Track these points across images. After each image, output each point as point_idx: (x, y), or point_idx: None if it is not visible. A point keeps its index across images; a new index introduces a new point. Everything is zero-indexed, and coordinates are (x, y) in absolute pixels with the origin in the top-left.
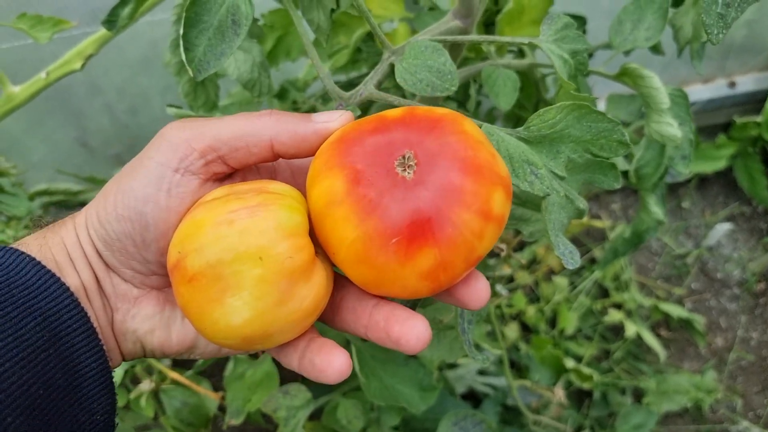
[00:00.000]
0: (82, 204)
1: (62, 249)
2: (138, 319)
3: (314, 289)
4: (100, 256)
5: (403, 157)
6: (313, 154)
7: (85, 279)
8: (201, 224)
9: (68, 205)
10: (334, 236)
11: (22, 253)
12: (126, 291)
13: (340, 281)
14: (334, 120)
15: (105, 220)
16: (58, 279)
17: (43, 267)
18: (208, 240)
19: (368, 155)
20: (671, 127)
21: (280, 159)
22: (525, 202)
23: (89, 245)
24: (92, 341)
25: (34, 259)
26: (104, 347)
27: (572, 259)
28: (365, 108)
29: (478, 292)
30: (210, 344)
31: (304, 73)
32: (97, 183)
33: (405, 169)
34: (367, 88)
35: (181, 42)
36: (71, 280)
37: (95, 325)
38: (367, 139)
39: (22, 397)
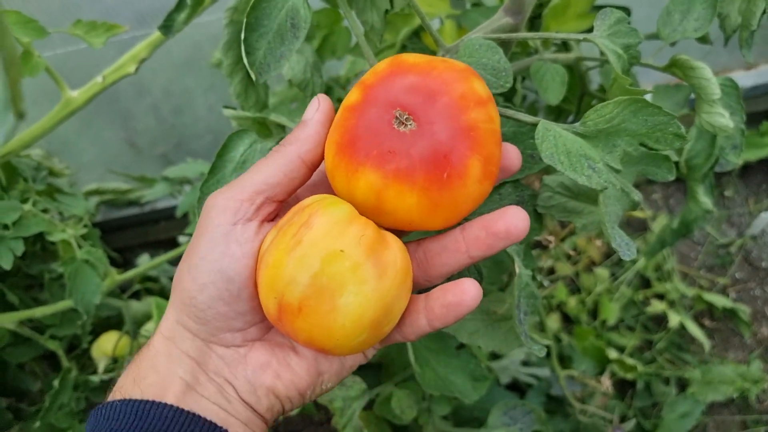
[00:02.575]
0: (131, 202)
1: (167, 368)
2: (258, 373)
3: (396, 249)
4: (197, 336)
5: (398, 115)
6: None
7: (191, 378)
8: (277, 263)
9: (117, 203)
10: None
11: (159, 403)
12: (233, 356)
13: (409, 246)
14: (314, 110)
15: (190, 298)
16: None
17: (180, 410)
18: (291, 269)
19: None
20: (723, 118)
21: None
22: (578, 194)
23: (186, 338)
24: None
25: (172, 406)
26: None
27: (629, 250)
28: None
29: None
30: (333, 362)
31: (346, 70)
32: (147, 182)
33: (403, 125)
34: None
35: (243, 46)
36: (203, 404)
37: (225, 415)
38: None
39: None
